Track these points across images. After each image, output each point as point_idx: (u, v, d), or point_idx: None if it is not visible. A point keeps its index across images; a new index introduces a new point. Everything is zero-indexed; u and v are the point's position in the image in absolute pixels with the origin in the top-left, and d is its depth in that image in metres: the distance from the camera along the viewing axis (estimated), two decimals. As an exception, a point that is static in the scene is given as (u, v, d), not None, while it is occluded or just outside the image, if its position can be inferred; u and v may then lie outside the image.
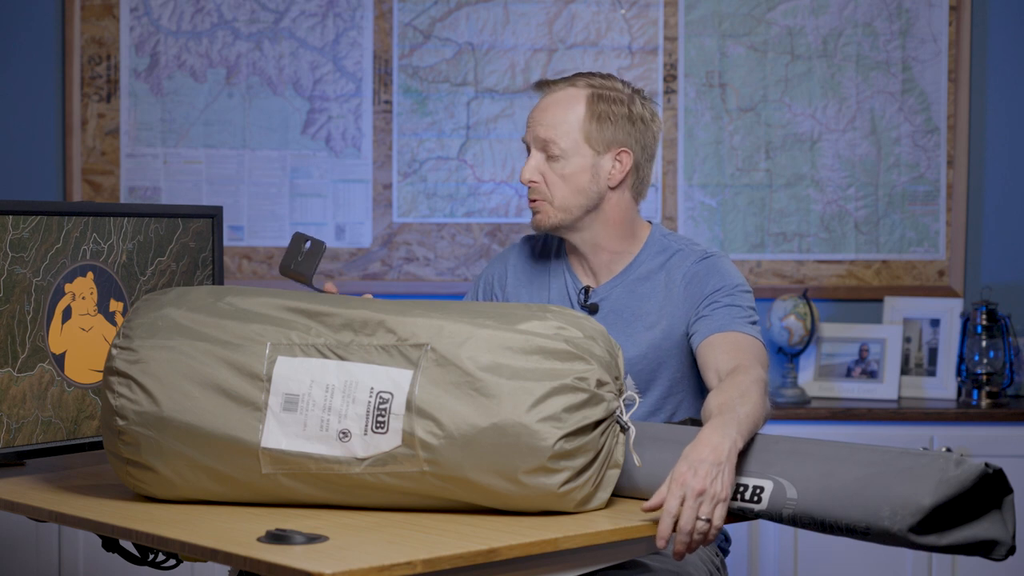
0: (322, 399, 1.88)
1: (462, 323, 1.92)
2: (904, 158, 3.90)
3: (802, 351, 3.75)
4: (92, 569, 3.51)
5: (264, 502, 1.94)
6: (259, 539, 1.74)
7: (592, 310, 2.42)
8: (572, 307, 2.44)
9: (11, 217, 2.17)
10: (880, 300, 3.89)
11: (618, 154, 2.40)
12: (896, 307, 3.85)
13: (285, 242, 3.94)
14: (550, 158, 2.39)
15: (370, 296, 2.12)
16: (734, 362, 2.19)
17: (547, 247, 2.54)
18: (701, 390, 2.40)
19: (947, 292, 3.88)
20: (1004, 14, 3.90)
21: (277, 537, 1.73)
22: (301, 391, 1.89)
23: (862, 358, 3.80)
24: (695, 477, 1.85)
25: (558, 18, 3.91)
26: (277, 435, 1.89)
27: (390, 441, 1.87)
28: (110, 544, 2.15)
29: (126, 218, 2.34)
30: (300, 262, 2.24)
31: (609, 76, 2.44)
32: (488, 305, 2.00)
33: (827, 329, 3.84)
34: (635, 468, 2.01)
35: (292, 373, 1.90)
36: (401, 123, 3.92)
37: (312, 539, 1.73)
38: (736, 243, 3.90)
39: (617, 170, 2.40)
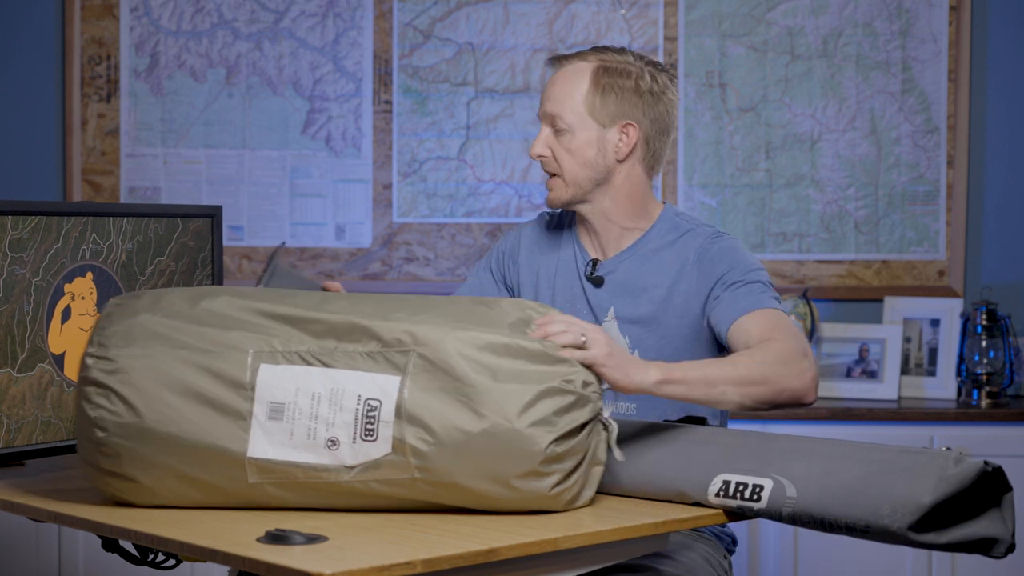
0: (308, 407, 1.86)
1: (446, 327, 1.90)
2: (904, 158, 3.90)
3: (802, 351, 3.75)
4: (92, 569, 3.51)
5: (251, 509, 1.92)
6: (259, 539, 1.74)
7: (597, 283, 2.42)
8: (578, 278, 2.45)
9: (11, 217, 2.17)
10: (880, 300, 3.89)
11: (624, 127, 2.38)
12: (896, 307, 3.85)
13: (285, 242, 3.94)
14: (557, 132, 2.39)
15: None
16: (767, 336, 2.17)
17: (560, 220, 2.55)
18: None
19: (947, 292, 3.88)
20: (1004, 14, 3.90)
21: (277, 537, 1.73)
22: (287, 399, 1.86)
23: (862, 358, 3.80)
24: (598, 349, 1.93)
25: (558, 18, 3.92)
26: (264, 444, 1.86)
27: (380, 449, 1.86)
28: (110, 544, 2.14)
29: (126, 218, 2.34)
30: (269, 276, 2.30)
31: (623, 50, 2.42)
32: (469, 305, 1.98)
33: (827, 329, 3.84)
34: (634, 468, 2.02)
35: (276, 381, 1.87)
36: (401, 123, 3.92)
37: (312, 539, 1.73)
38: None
39: (624, 143, 2.39)
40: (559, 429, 1.85)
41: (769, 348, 2.13)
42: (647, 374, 1.99)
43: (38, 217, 2.21)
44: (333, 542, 1.73)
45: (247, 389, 1.87)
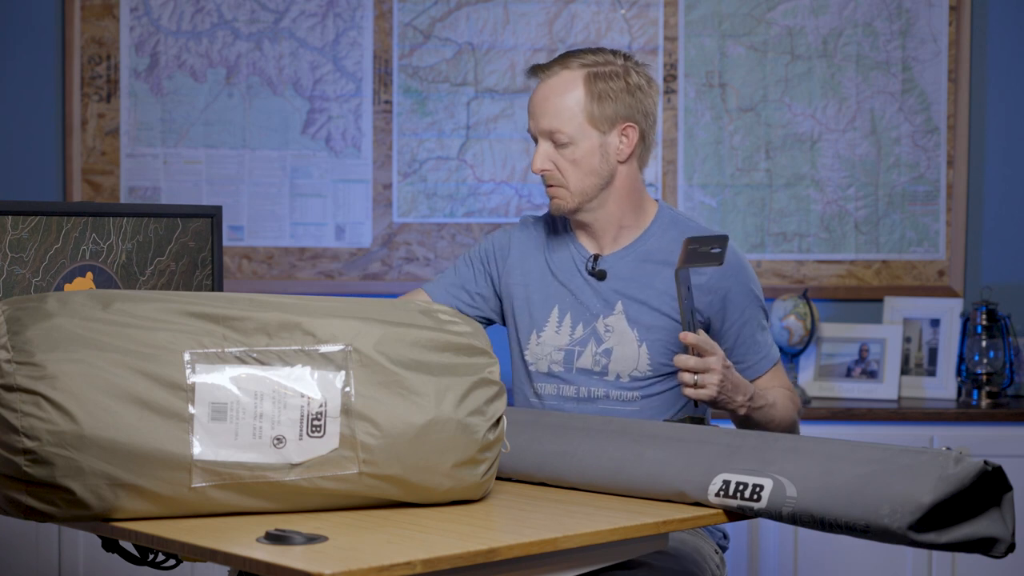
0: (252, 406, 1.85)
1: (375, 323, 1.94)
2: (904, 158, 3.90)
3: (802, 351, 3.75)
4: (92, 569, 3.51)
5: (188, 515, 1.88)
6: (259, 539, 1.74)
7: (600, 276, 2.46)
8: (578, 274, 2.48)
9: (11, 217, 2.17)
10: (880, 300, 3.89)
11: (624, 129, 2.42)
12: (896, 307, 3.85)
13: (285, 242, 3.94)
14: (558, 145, 2.41)
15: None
16: (782, 387, 2.50)
17: (552, 223, 2.57)
18: None
19: (947, 292, 3.88)
20: (1004, 14, 3.90)
21: (277, 537, 1.73)
22: (228, 400, 1.84)
23: (862, 358, 3.80)
24: (723, 384, 2.25)
25: (558, 18, 3.92)
26: (209, 446, 1.84)
27: (327, 444, 1.87)
28: (110, 544, 2.14)
29: (126, 218, 2.34)
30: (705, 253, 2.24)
31: (600, 50, 2.45)
32: (384, 303, 2.02)
33: (827, 329, 3.84)
34: (634, 468, 2.03)
35: (215, 381, 1.84)
36: (401, 123, 3.92)
37: (312, 539, 1.73)
38: (736, 243, 3.90)
39: (625, 144, 2.43)
40: (490, 418, 1.96)
41: (792, 400, 2.46)
42: (746, 399, 2.33)
43: (38, 217, 2.21)
44: (333, 542, 1.73)
45: (185, 391, 1.83)
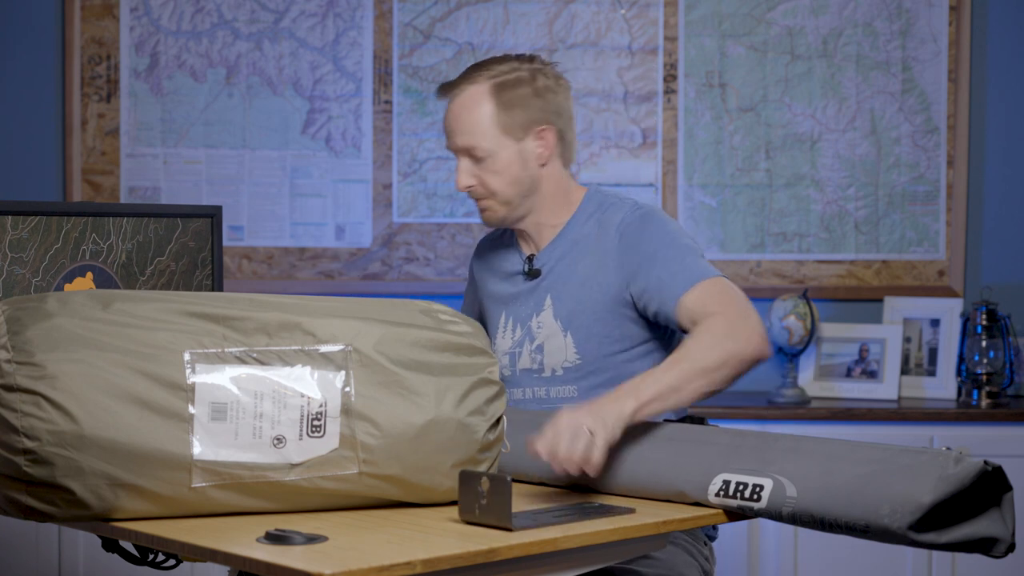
0: (252, 406, 1.85)
1: (375, 323, 1.94)
2: (904, 158, 3.90)
3: (802, 351, 3.75)
4: (92, 569, 3.51)
5: (188, 515, 1.89)
6: (258, 539, 1.74)
7: (534, 275, 2.47)
8: (519, 277, 2.49)
9: (11, 217, 2.17)
10: (880, 300, 3.89)
11: (540, 132, 2.43)
12: (896, 307, 3.85)
13: (285, 242, 3.94)
14: (477, 160, 2.42)
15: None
16: (709, 311, 2.22)
17: (504, 232, 2.60)
18: (649, 352, 2.41)
19: (947, 292, 3.88)
20: (1004, 14, 3.90)
21: (277, 537, 1.73)
22: (228, 399, 1.85)
23: (862, 358, 3.80)
24: (568, 444, 1.98)
25: (558, 18, 3.92)
26: (209, 446, 1.84)
27: (327, 444, 1.87)
28: (110, 544, 2.15)
29: (126, 218, 2.35)
30: (485, 507, 1.85)
31: (504, 58, 2.45)
32: (383, 303, 2.02)
33: (827, 329, 3.84)
34: (634, 468, 2.03)
35: (215, 381, 1.85)
36: (401, 123, 3.92)
37: (312, 539, 1.73)
38: (736, 243, 3.90)
39: (543, 148, 2.44)
40: (490, 418, 1.96)
41: (713, 325, 2.18)
42: (623, 409, 2.03)
43: (38, 217, 2.21)
44: (333, 542, 1.73)
45: (185, 391, 1.84)
